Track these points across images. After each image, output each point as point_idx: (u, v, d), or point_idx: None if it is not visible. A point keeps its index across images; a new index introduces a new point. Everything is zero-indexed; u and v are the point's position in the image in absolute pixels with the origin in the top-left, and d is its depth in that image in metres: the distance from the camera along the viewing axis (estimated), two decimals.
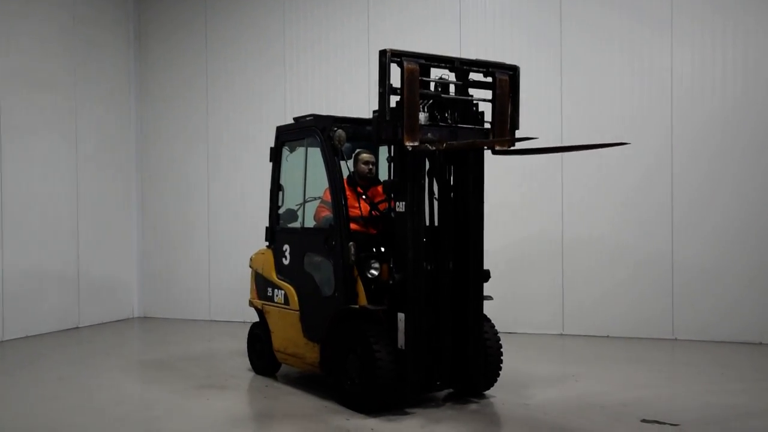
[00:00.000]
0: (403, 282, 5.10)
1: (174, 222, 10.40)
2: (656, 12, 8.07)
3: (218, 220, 10.09)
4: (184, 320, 10.14)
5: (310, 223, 6.05)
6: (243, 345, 7.00)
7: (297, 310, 5.98)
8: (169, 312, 10.40)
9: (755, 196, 7.73)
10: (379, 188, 5.96)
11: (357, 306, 5.31)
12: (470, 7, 8.77)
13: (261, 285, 6.52)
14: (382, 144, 5.29)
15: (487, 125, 5.42)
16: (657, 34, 8.07)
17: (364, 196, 5.77)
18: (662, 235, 8.04)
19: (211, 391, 6.01)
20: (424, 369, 5.20)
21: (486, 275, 5.50)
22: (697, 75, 7.94)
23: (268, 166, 6.57)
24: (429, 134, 5.09)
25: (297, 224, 6.23)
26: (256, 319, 6.77)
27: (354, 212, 5.62)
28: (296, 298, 6.00)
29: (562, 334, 8.47)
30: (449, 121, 5.28)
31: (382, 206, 5.73)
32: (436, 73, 5.29)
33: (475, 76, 5.45)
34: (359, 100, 8.81)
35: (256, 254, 6.72)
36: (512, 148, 5.31)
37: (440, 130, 5.19)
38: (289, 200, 6.33)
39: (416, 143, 4.97)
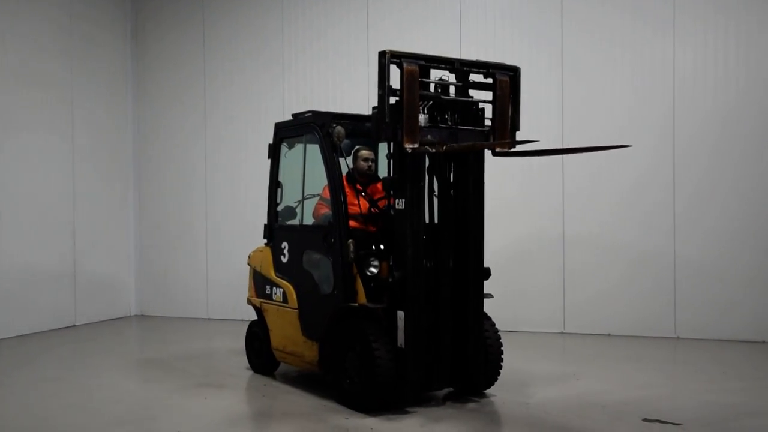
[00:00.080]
0: (403, 280, 5.07)
1: (172, 219, 10.37)
2: (658, 12, 8.04)
3: (216, 218, 10.06)
4: (181, 318, 10.11)
5: (308, 220, 6.02)
6: (241, 343, 6.97)
7: (296, 309, 5.95)
8: (167, 310, 10.36)
9: (758, 194, 7.70)
10: (379, 185, 5.92)
11: (356, 304, 5.28)
12: (470, 6, 8.73)
13: (259, 283, 6.49)
14: (382, 142, 5.26)
15: (487, 120, 5.38)
16: (659, 34, 8.04)
17: (363, 193, 5.74)
18: (664, 233, 8.01)
19: (209, 390, 5.98)
20: (424, 368, 5.17)
21: (486, 273, 5.47)
22: (699, 74, 7.91)
23: (267, 163, 6.54)
24: (429, 136, 5.06)
25: (296, 221, 6.20)
26: (255, 317, 6.74)
27: (353, 209, 5.59)
28: (295, 296, 5.97)
29: (563, 333, 8.45)
30: (449, 123, 5.25)
31: (381, 203, 5.70)
32: (435, 74, 5.26)
33: (475, 77, 5.42)
34: (358, 99, 8.75)
35: (255, 252, 6.69)
36: (512, 149, 5.29)
37: (440, 131, 5.17)
38: (288, 197, 6.30)
39: (416, 145, 4.94)
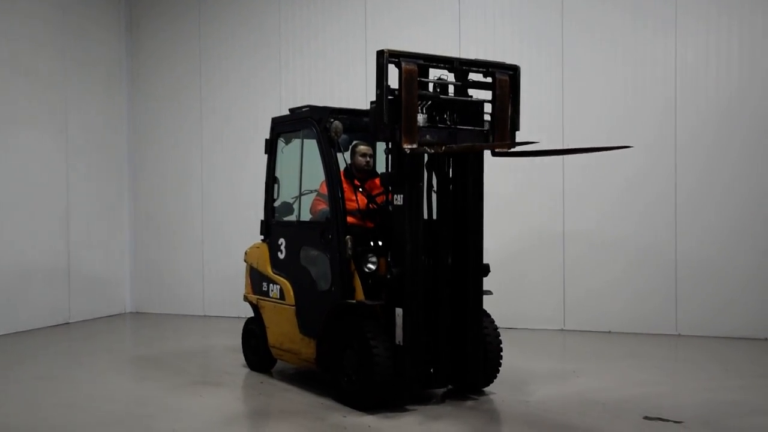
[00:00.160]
0: (401, 276, 5.03)
1: (167, 215, 10.30)
2: (660, 11, 7.99)
3: (212, 214, 10.00)
4: (177, 315, 10.06)
5: (306, 216, 5.98)
6: (237, 341, 6.93)
7: (293, 305, 5.91)
8: (162, 307, 10.30)
9: (760, 190, 7.67)
10: (377, 181, 5.89)
11: (354, 301, 5.24)
12: (470, 4, 8.67)
13: (256, 279, 6.45)
14: (380, 141, 5.20)
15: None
16: (660, 33, 8.00)
17: (361, 189, 5.71)
18: (665, 230, 7.98)
19: (205, 388, 5.94)
20: (423, 365, 5.13)
21: (485, 269, 5.44)
22: (701, 73, 7.87)
23: (263, 159, 6.49)
24: (428, 136, 5.04)
25: (293, 217, 6.15)
26: (251, 314, 6.70)
27: (351, 205, 5.55)
28: (292, 293, 5.93)
29: (562, 330, 8.42)
30: (448, 123, 5.22)
31: (379, 199, 5.67)
32: (434, 73, 5.22)
33: (474, 77, 5.38)
34: (357, 97, 8.68)
35: (251, 248, 6.65)
36: (512, 150, 5.25)
37: (439, 131, 5.14)
38: (285, 193, 6.25)
39: (414, 146, 4.91)
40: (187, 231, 10.14)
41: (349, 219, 5.48)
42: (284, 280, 6.03)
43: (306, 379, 6.15)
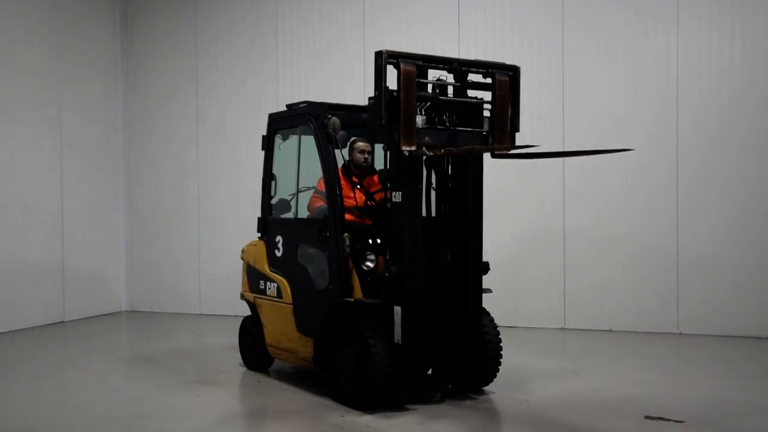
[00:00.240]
0: (400, 274, 4.99)
1: (163, 212, 10.25)
2: (661, 10, 7.94)
3: (209, 211, 9.95)
4: (173, 314, 10.01)
5: (303, 213, 5.95)
6: (234, 339, 6.90)
7: (290, 304, 5.87)
8: (158, 306, 10.26)
9: (763, 187, 7.63)
10: (375, 178, 5.85)
11: (352, 299, 5.21)
12: (470, 2, 8.60)
13: (253, 278, 6.41)
14: (378, 143, 5.20)
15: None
16: (662, 33, 7.95)
17: (359, 186, 5.69)
18: (666, 228, 7.94)
19: (202, 388, 5.90)
20: (422, 364, 5.10)
21: (485, 267, 5.41)
22: (703, 73, 7.83)
23: (260, 155, 6.45)
24: (426, 138, 5.01)
25: (290, 215, 6.12)
26: (248, 312, 6.66)
27: (349, 202, 5.52)
28: (289, 291, 5.90)
29: (563, 328, 8.38)
30: (447, 124, 5.18)
31: (378, 196, 5.64)
32: (433, 74, 5.18)
33: (474, 77, 5.34)
34: (355, 96, 8.62)
35: (248, 246, 6.61)
36: (512, 152, 5.22)
37: (438, 133, 5.10)
38: (282, 190, 6.21)
39: (413, 148, 4.87)
40: (184, 228, 10.08)
41: (347, 216, 5.45)
42: (281, 278, 5.99)
43: (303, 378, 6.11)
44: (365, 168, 5.86)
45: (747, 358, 6.82)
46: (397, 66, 4.85)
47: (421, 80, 5.03)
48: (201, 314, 9.95)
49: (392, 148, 4.99)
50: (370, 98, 4.99)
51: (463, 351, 5.26)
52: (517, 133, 5.38)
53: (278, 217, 6.22)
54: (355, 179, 5.70)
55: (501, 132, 5.20)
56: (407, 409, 5.08)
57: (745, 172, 7.70)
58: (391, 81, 4.86)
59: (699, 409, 5.08)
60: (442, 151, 4.92)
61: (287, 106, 6.18)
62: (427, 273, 5.16)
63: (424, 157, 5.19)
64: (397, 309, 4.99)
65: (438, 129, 5.12)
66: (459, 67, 5.21)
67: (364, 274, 5.22)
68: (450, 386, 5.48)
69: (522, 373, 6.07)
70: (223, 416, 5.09)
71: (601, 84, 8.19)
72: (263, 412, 5.38)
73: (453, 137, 5.15)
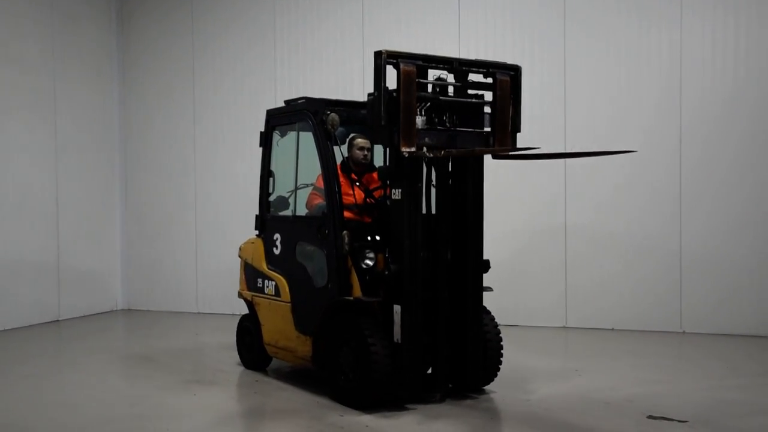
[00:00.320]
0: (400, 273, 4.95)
1: (159, 209, 10.20)
2: (664, 10, 7.90)
3: (206, 208, 9.91)
4: (170, 313, 9.97)
5: (302, 211, 5.91)
6: (232, 338, 6.86)
7: (288, 302, 5.84)
8: (155, 304, 10.21)
9: (765, 185, 7.59)
10: (375, 174, 5.78)
11: (351, 298, 5.18)
12: (470, 1, 8.55)
13: (251, 276, 6.37)
14: (377, 144, 5.16)
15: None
16: (665, 32, 7.91)
17: (358, 183, 5.65)
18: (668, 226, 7.90)
19: (199, 387, 5.87)
20: (421, 363, 5.06)
21: (486, 265, 5.38)
22: (705, 72, 7.79)
23: (258, 152, 6.41)
24: (427, 138, 4.97)
25: (288, 212, 6.08)
26: (246, 311, 6.64)
27: (348, 200, 5.49)
28: (287, 290, 5.85)
29: (564, 327, 8.34)
30: (448, 124, 5.14)
31: (377, 193, 5.60)
32: (434, 74, 5.14)
33: (474, 77, 5.30)
34: (354, 94, 8.58)
35: (246, 243, 6.57)
36: (513, 153, 5.18)
37: (438, 133, 5.06)
38: (280, 187, 6.18)
39: (413, 149, 4.83)
40: (181, 226, 10.04)
41: (346, 214, 5.41)
42: (280, 276, 5.95)
43: (302, 377, 6.07)
44: (364, 165, 5.82)
45: (752, 357, 6.79)
46: (396, 66, 4.81)
47: (421, 80, 4.99)
48: (198, 313, 9.90)
49: (392, 149, 4.96)
50: (369, 94, 4.95)
51: (464, 350, 5.23)
52: (518, 134, 5.33)
53: (276, 215, 6.19)
54: (354, 176, 5.66)
55: (502, 132, 5.17)
56: (407, 409, 5.05)
57: (747, 170, 7.67)
58: (391, 81, 4.80)
59: (701, 408, 5.04)
60: (442, 153, 4.89)
61: (285, 102, 6.14)
62: (427, 271, 5.12)
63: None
64: (397, 308, 4.95)
65: (438, 130, 5.08)
66: (459, 67, 5.17)
67: (363, 273, 5.18)
68: (450, 386, 5.44)
69: (523, 373, 6.04)
70: (220, 416, 5.06)
71: (602, 83, 8.16)
72: (261, 412, 5.34)
73: (453, 138, 5.12)
